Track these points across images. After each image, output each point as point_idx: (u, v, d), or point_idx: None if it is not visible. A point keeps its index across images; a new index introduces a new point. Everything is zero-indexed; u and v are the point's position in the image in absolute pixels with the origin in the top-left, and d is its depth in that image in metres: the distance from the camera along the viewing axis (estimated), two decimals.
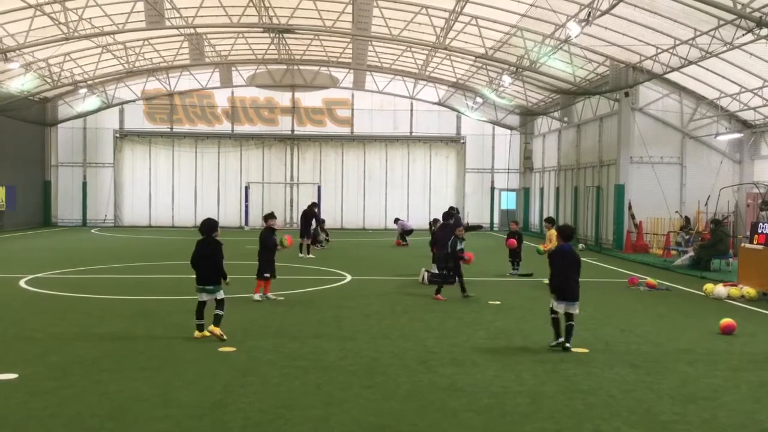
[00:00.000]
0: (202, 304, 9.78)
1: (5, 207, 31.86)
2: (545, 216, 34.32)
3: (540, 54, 24.24)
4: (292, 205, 38.18)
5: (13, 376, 7.72)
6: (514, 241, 17.95)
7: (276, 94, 37.98)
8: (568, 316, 9.42)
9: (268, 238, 13.51)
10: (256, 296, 13.23)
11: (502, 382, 7.76)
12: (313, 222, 23.82)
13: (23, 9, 22.42)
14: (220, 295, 9.80)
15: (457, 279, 13.82)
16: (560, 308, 9.42)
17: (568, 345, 9.32)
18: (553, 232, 16.75)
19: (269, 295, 13.35)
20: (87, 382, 7.57)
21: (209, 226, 10.11)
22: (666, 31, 20.55)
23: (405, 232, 27.53)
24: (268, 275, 13.30)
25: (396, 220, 29.13)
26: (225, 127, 38.08)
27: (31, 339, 9.71)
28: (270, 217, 13.91)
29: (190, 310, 12.00)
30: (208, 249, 9.87)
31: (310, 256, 21.81)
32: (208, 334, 9.70)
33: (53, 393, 7.13)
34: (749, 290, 14.32)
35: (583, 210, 30.21)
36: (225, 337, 9.56)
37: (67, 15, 23.07)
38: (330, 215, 35.10)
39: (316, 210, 23.77)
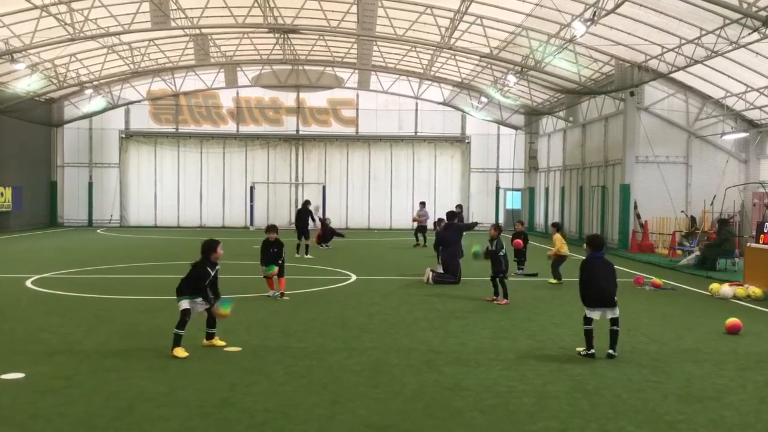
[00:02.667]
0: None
1: (12, 207, 31.96)
2: (550, 216, 34.42)
3: (545, 53, 24.22)
4: (297, 206, 38.17)
5: (20, 375, 7.76)
6: (521, 242, 17.95)
7: (281, 94, 38.04)
8: (613, 321, 9.00)
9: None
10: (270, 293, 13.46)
11: (507, 382, 7.77)
12: (316, 220, 23.72)
13: (29, 10, 22.50)
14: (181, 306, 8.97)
15: (498, 280, 13.39)
16: (596, 315, 8.92)
17: (612, 352, 8.95)
18: (558, 236, 16.78)
19: (272, 293, 13.43)
20: (93, 381, 7.60)
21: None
22: (671, 30, 20.51)
23: (420, 228, 26.73)
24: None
25: (422, 204, 28.34)
26: (230, 127, 38.14)
27: (37, 339, 9.75)
28: (269, 230, 13.94)
29: (197, 309, 12.06)
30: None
31: (309, 256, 21.73)
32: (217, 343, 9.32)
33: (60, 392, 7.17)
34: (755, 290, 14.27)
35: (588, 210, 30.16)
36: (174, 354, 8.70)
37: (72, 16, 23.17)
38: (335, 215, 35.14)
39: (310, 208, 23.72)
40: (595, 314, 8.95)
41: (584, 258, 9.48)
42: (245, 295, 13.34)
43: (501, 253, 13.33)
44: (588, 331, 9.05)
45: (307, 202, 24.13)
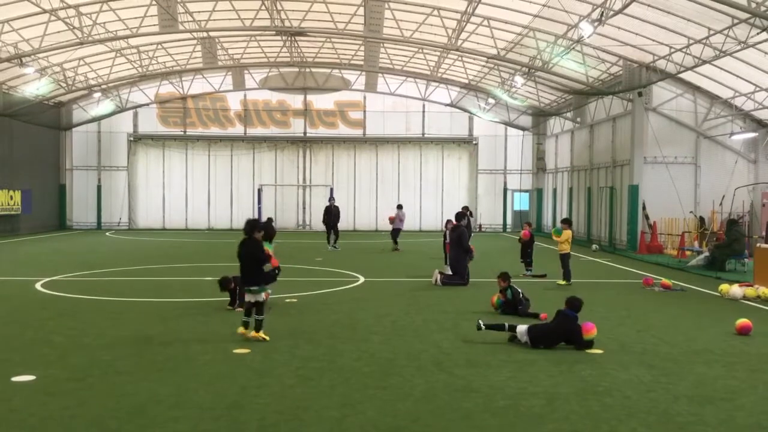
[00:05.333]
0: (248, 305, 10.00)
1: (21, 211, 32.09)
2: (559, 217, 34.32)
3: (552, 54, 24.18)
4: (305, 208, 38.31)
5: (31, 377, 7.81)
6: (528, 232, 18.12)
7: (288, 96, 38.10)
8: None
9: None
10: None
11: (517, 383, 7.76)
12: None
13: (38, 14, 22.64)
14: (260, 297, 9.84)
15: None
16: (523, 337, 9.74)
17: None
18: (568, 233, 16.72)
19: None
20: (104, 383, 7.64)
21: (250, 225, 10.16)
22: (679, 30, 20.45)
23: (396, 230, 25.57)
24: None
25: (399, 207, 26.52)
26: (238, 129, 38.23)
27: (48, 341, 9.80)
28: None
29: (205, 311, 12.12)
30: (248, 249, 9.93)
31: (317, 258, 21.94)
32: (250, 334, 9.84)
33: (72, 394, 7.21)
34: (765, 290, 14.21)
35: (596, 210, 30.09)
36: (267, 338, 9.77)
37: (81, 20, 23.29)
38: (343, 217, 35.08)
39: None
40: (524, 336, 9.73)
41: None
42: None
43: (520, 296, 12.51)
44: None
45: (270, 220, 24.40)
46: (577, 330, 9.55)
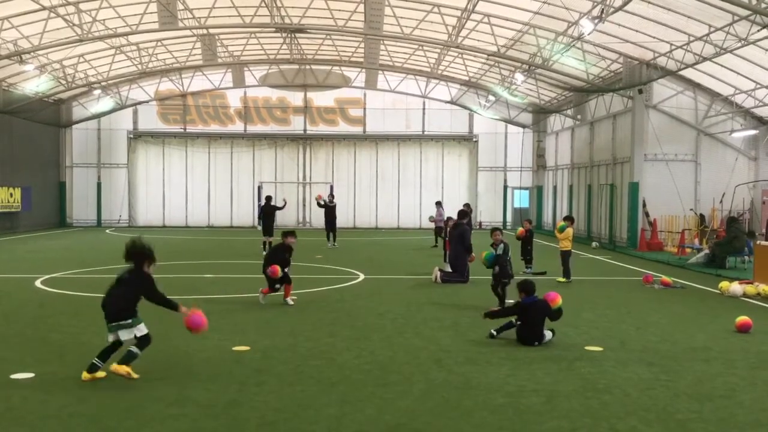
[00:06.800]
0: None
1: (21, 208, 32.09)
2: (559, 215, 34.32)
3: (553, 51, 24.16)
4: (305, 205, 38.29)
5: (30, 375, 7.79)
6: (524, 231, 18.14)
7: (288, 93, 38.08)
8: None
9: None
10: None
11: (517, 381, 7.75)
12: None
13: (38, 11, 22.62)
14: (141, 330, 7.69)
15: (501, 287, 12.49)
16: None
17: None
18: (570, 231, 16.71)
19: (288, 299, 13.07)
20: (103, 380, 7.61)
21: (140, 254, 7.72)
22: (680, 27, 20.43)
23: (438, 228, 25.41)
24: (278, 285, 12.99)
25: (438, 204, 27.00)
26: (238, 127, 38.23)
27: (47, 339, 9.79)
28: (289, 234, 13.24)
29: (204, 309, 12.05)
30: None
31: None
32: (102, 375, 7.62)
33: (70, 392, 7.20)
34: (765, 288, 14.20)
35: (596, 208, 30.08)
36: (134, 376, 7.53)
37: (80, 17, 23.27)
38: (343, 214, 35.08)
39: (272, 204, 23.84)
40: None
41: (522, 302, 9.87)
42: (253, 295, 13.34)
43: (508, 257, 12.65)
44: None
45: (269, 198, 24.28)
46: (546, 305, 9.74)
